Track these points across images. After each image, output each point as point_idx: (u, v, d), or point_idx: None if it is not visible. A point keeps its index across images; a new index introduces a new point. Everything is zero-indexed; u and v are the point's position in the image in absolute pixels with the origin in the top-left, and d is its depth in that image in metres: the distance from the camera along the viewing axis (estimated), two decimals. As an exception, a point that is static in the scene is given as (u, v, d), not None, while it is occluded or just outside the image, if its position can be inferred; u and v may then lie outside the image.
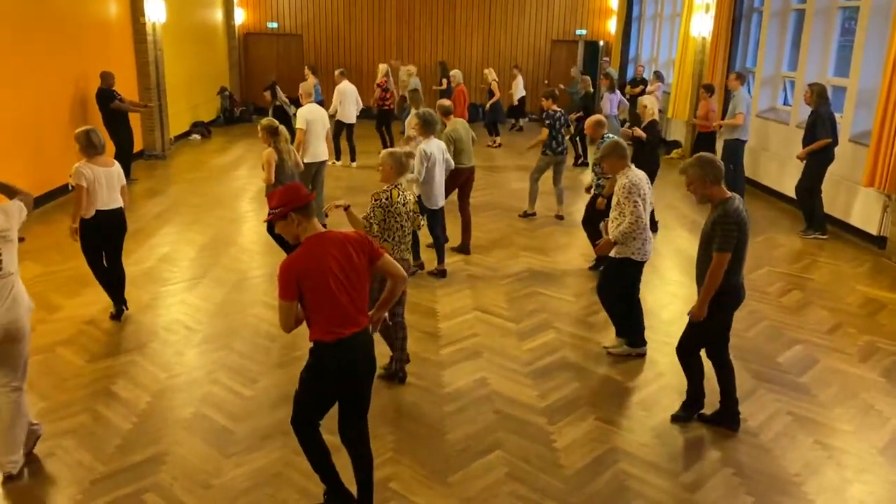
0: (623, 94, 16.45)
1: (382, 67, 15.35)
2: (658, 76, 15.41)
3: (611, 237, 5.54)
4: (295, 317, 3.51)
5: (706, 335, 4.72)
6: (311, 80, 14.31)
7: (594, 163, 7.08)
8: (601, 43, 19.81)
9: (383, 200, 5.05)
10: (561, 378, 5.47)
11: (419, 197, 7.17)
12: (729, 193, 4.47)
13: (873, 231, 8.81)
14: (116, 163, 6.21)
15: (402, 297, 5.23)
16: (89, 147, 5.88)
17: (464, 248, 8.26)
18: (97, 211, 5.94)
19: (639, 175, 5.58)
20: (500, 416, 4.92)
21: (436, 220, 7.41)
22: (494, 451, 4.50)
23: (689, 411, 4.91)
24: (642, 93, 15.42)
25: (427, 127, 7.17)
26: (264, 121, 7.37)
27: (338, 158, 13.03)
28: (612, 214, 5.65)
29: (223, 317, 6.45)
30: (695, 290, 4.69)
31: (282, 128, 7.29)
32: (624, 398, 5.22)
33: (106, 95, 11.05)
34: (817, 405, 5.16)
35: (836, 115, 9.72)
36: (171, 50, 14.35)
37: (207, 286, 7.18)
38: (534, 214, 9.90)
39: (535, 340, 6.10)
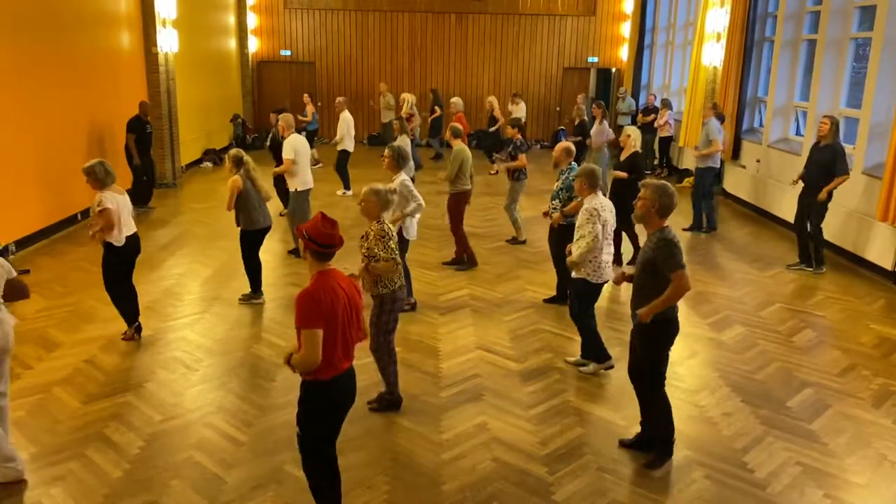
0: (634, 122, 16.41)
1: (408, 97, 15.57)
2: (666, 104, 15.32)
3: (571, 258, 5.95)
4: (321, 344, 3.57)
5: (661, 363, 4.74)
6: (310, 108, 14.50)
7: (557, 189, 7.25)
8: (613, 70, 19.79)
9: (391, 233, 5.16)
10: (563, 423, 5.33)
11: (399, 230, 7.10)
12: (666, 224, 4.61)
13: (888, 266, 8.62)
14: (123, 190, 6.45)
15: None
16: (108, 176, 6.13)
17: (472, 262, 8.94)
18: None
19: (603, 203, 5.96)
20: (499, 464, 4.78)
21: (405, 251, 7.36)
22: (491, 504, 4.38)
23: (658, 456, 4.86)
24: (653, 121, 15.37)
25: (401, 162, 7.08)
26: (232, 151, 7.39)
27: (347, 188, 13.08)
28: (575, 235, 6.03)
29: (222, 355, 6.37)
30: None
31: (247, 157, 7.33)
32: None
33: (135, 125, 11.33)
34: (828, 455, 4.99)
35: (849, 147, 9.58)
36: (184, 79, 14.45)
37: (209, 321, 7.12)
38: (524, 241, 10.07)
39: (538, 382, 5.97)
